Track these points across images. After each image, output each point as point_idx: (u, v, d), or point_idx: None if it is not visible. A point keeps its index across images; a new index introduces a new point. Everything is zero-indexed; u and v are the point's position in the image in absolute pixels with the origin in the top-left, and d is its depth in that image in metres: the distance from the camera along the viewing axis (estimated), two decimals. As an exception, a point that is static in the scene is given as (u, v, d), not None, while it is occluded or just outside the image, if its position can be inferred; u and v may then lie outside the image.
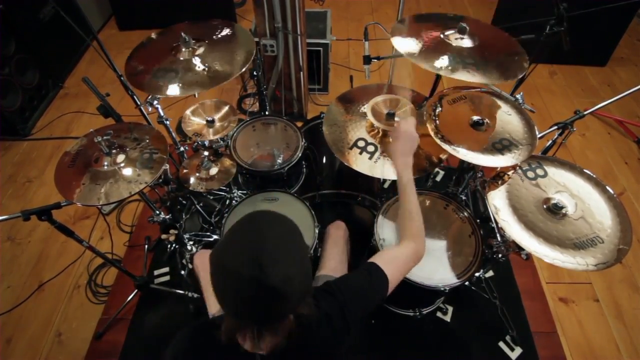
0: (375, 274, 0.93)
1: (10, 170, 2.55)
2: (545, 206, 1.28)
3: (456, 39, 1.46)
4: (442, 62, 1.38)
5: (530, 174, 1.36)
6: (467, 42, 1.45)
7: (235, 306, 0.71)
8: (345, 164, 1.39)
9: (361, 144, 1.44)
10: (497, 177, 1.38)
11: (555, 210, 1.25)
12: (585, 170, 1.36)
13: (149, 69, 1.47)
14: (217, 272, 0.71)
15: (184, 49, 1.51)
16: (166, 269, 2.01)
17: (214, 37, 1.59)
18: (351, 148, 1.43)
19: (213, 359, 0.83)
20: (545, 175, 1.36)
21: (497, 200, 1.30)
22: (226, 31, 1.61)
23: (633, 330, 1.88)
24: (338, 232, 1.53)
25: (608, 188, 1.31)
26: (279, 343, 0.78)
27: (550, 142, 1.59)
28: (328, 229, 1.55)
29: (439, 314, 1.83)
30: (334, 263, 1.41)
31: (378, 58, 1.74)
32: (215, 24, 1.63)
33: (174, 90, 1.41)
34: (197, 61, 1.48)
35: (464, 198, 1.90)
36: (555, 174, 1.36)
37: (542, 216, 1.26)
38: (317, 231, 1.49)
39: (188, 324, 0.88)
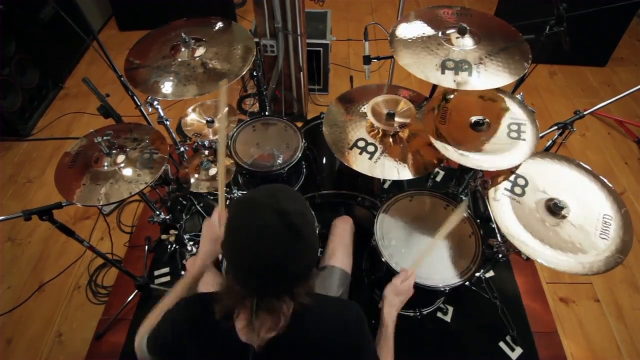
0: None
1: (11, 170, 2.55)
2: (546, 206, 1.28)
3: (457, 38, 1.41)
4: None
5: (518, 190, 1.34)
6: (468, 42, 1.37)
7: (247, 256, 0.72)
8: (345, 164, 1.39)
9: (361, 144, 1.43)
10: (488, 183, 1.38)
11: (555, 211, 1.25)
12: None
13: (145, 64, 1.46)
14: (235, 213, 0.77)
15: (183, 49, 1.50)
16: (166, 269, 2.02)
17: (212, 29, 1.58)
18: (351, 148, 1.43)
19: (208, 334, 0.83)
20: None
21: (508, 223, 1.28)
22: (219, 25, 1.61)
23: (634, 331, 1.87)
24: (346, 225, 1.53)
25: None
26: (273, 328, 0.78)
27: (550, 142, 1.59)
28: (335, 222, 1.55)
29: (439, 314, 1.83)
30: (342, 255, 1.42)
31: (378, 58, 1.74)
32: (212, 21, 1.62)
33: (173, 92, 1.40)
34: (196, 62, 1.48)
35: (464, 198, 1.90)
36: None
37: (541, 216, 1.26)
38: (317, 231, 1.49)
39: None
